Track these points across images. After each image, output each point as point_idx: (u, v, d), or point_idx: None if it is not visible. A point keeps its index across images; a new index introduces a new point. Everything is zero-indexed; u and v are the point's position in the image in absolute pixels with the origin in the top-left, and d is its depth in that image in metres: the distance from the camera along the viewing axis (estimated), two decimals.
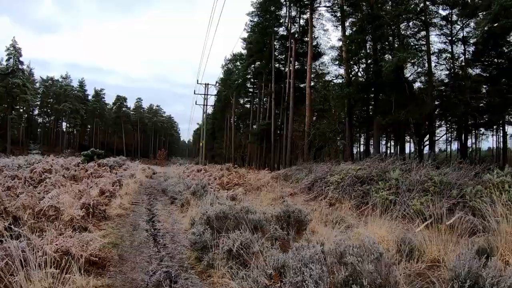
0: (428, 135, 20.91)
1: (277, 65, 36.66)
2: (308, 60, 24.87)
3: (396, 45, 19.71)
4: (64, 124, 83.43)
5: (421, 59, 19.89)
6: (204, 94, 34.54)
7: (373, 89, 20.72)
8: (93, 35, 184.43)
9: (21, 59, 57.65)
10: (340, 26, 22.68)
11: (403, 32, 20.58)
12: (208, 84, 34.70)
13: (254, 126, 47.69)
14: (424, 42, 21.01)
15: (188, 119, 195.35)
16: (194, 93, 35.08)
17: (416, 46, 20.66)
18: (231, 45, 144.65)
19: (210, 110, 51.53)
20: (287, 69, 36.04)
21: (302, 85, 33.93)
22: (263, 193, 10.13)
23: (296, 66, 30.44)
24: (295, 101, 27.09)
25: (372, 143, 26.64)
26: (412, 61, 17.81)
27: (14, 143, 59.25)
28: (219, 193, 8.39)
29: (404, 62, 17.01)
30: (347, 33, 22.67)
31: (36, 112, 79.98)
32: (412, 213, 6.80)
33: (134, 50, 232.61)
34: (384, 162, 11.23)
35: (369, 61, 23.42)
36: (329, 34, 38.99)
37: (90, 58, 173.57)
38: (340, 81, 24.44)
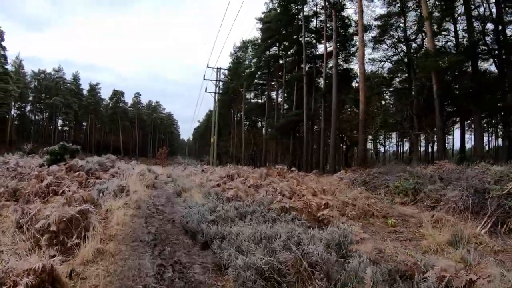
0: None
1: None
2: (359, 31, 18.75)
3: None
4: (59, 121, 77.23)
5: None
6: (216, 80, 28.72)
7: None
8: (85, 31, 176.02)
9: (3, 43, 50.55)
10: None
11: None
12: (220, 68, 28.92)
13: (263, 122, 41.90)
14: None
15: (182, 119, 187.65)
16: (204, 79, 29.07)
17: None
18: (240, 33, 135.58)
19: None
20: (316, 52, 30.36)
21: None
22: (423, 231, 4.30)
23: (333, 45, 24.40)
24: (338, 85, 20.89)
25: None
26: None
27: (3, 142, 52.04)
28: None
29: None
30: None
31: (28, 108, 73.59)
32: None
33: (127, 47, 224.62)
34: None
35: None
36: (374, 6, 33.23)
37: (82, 55, 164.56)
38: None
